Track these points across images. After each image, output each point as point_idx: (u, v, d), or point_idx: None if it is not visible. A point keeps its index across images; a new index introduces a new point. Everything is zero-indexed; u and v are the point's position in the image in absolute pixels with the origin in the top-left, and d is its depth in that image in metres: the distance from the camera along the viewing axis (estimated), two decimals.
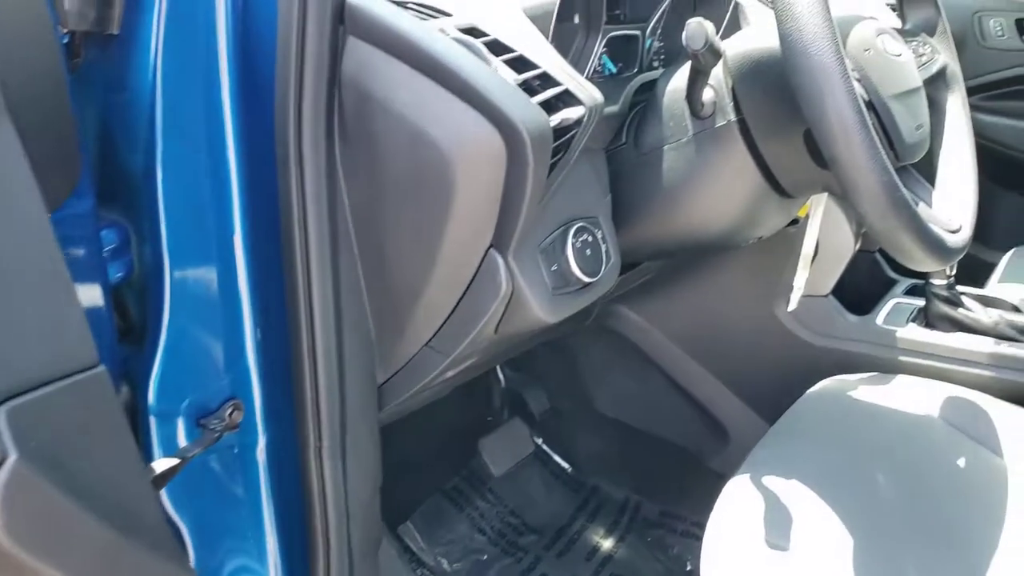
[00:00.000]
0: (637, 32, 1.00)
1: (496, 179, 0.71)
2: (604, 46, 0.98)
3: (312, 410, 0.82)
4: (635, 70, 1.01)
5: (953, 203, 0.90)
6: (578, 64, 0.93)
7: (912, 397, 1.04)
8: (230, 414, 0.84)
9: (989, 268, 1.59)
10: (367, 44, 0.69)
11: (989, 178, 1.93)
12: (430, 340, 0.83)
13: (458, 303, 0.79)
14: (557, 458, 1.49)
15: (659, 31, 1.06)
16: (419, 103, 0.69)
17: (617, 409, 1.45)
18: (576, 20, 0.94)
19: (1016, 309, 1.23)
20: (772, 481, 0.88)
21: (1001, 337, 1.12)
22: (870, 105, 0.80)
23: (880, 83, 0.81)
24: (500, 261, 0.75)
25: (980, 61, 1.85)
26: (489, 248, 0.76)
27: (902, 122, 0.83)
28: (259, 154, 0.74)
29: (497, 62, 0.72)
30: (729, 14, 1.08)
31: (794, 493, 0.86)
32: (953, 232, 0.85)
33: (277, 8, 0.67)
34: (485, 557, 1.31)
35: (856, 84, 0.78)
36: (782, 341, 1.22)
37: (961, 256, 0.85)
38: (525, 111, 0.68)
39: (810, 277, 1.12)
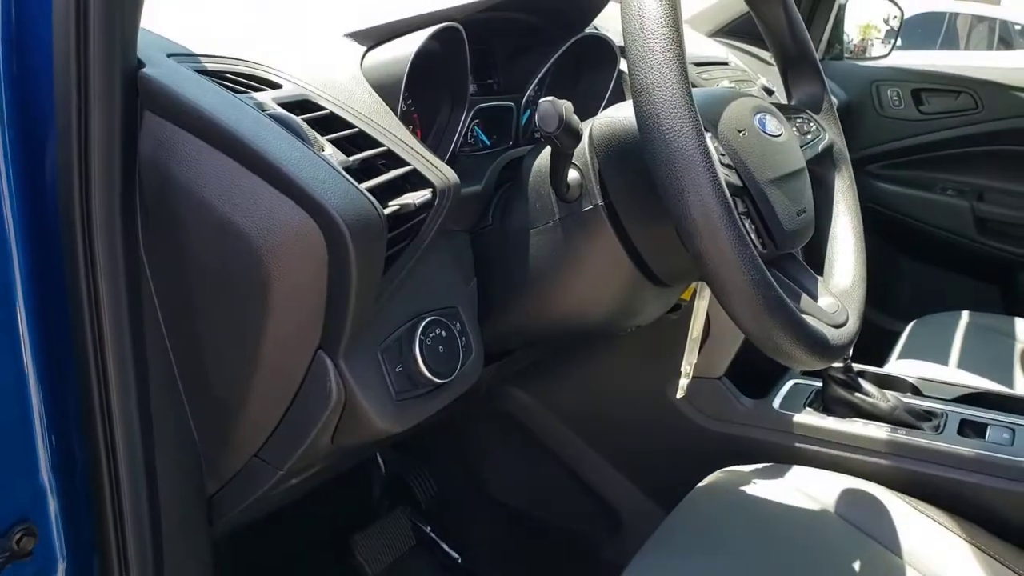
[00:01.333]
0: (511, 104, 0.93)
1: (317, 274, 0.62)
2: (475, 118, 0.91)
3: (115, 534, 0.70)
4: (510, 144, 0.94)
5: (839, 292, 0.85)
6: (442, 139, 0.86)
7: (808, 491, 0.99)
8: (19, 541, 0.72)
9: (891, 337, 1.57)
10: (166, 121, 0.60)
11: (890, 246, 1.94)
12: (259, 451, 0.72)
13: (286, 412, 0.69)
14: (446, 547, 1.38)
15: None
16: (224, 188, 0.60)
17: (509, 494, 1.36)
18: (441, 90, 0.87)
19: (915, 389, 1.19)
20: None
21: (899, 424, 1.08)
22: (745, 191, 0.74)
23: (756, 167, 0.75)
24: (329, 365, 0.66)
25: (879, 130, 1.87)
26: (317, 351, 0.66)
27: (781, 209, 0.77)
28: (46, 243, 0.63)
29: (324, 141, 0.64)
30: (613, 83, 1.02)
31: None
32: (839, 326, 0.79)
33: (54, 77, 0.57)
34: None
35: (727, 171, 0.72)
36: (675, 425, 1.15)
37: (848, 352, 0.79)
38: (344, 198, 0.60)
39: (702, 358, 1.06)
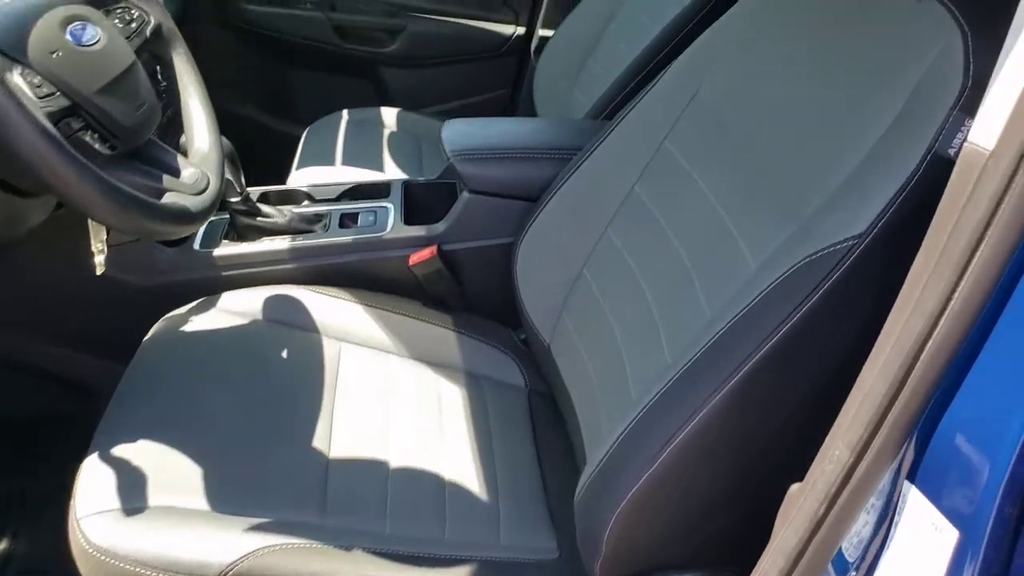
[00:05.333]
0: None
1: None
2: None
3: None
4: None
5: (200, 160, 1.01)
6: None
7: (238, 310, 1.20)
8: None
9: (295, 142, 1.81)
10: None
11: (276, 62, 2.12)
12: None
13: None
14: None
15: None
16: None
17: None
18: None
19: (309, 197, 1.45)
20: (122, 450, 0.95)
21: (296, 232, 1.33)
22: (76, 109, 0.82)
23: (80, 83, 0.83)
24: None
25: None
26: None
27: (117, 111, 0.87)
28: None
29: None
30: None
31: (145, 451, 0.94)
32: (200, 193, 0.95)
33: None
34: None
35: (48, 100, 0.80)
36: (113, 292, 1.24)
37: (211, 213, 0.96)
38: None
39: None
